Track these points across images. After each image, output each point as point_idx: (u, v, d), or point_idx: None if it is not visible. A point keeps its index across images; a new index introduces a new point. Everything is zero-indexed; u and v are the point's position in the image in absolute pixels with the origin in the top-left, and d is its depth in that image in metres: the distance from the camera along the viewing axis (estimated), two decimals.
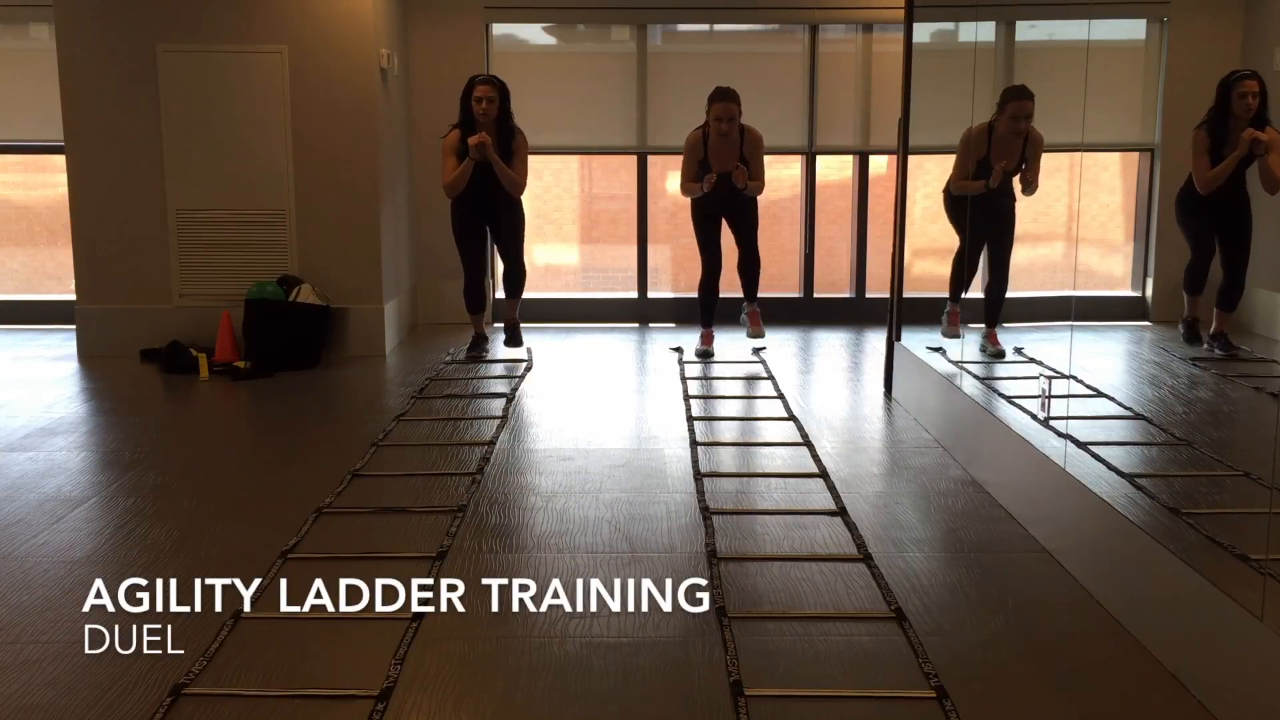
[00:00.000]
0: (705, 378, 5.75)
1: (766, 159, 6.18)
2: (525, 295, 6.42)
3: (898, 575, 3.19)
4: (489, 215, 6.04)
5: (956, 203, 5.23)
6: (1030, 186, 4.73)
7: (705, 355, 6.28)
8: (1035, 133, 4.70)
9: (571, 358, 6.34)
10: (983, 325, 5.10)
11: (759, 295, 6.42)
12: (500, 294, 6.86)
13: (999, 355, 4.99)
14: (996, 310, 5.07)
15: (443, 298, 7.24)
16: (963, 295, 5.26)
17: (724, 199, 6.09)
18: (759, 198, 6.23)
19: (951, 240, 5.39)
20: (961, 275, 5.26)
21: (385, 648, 2.72)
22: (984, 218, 5.02)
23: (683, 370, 5.88)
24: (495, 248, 6.36)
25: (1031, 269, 5.40)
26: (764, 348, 6.35)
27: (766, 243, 6.65)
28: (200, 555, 3.34)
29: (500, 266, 6.54)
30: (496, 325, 7.10)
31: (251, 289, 6.09)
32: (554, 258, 7.90)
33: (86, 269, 6.32)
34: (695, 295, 6.42)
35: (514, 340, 6.33)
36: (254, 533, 3.52)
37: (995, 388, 4.37)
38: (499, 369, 6.04)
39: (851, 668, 2.64)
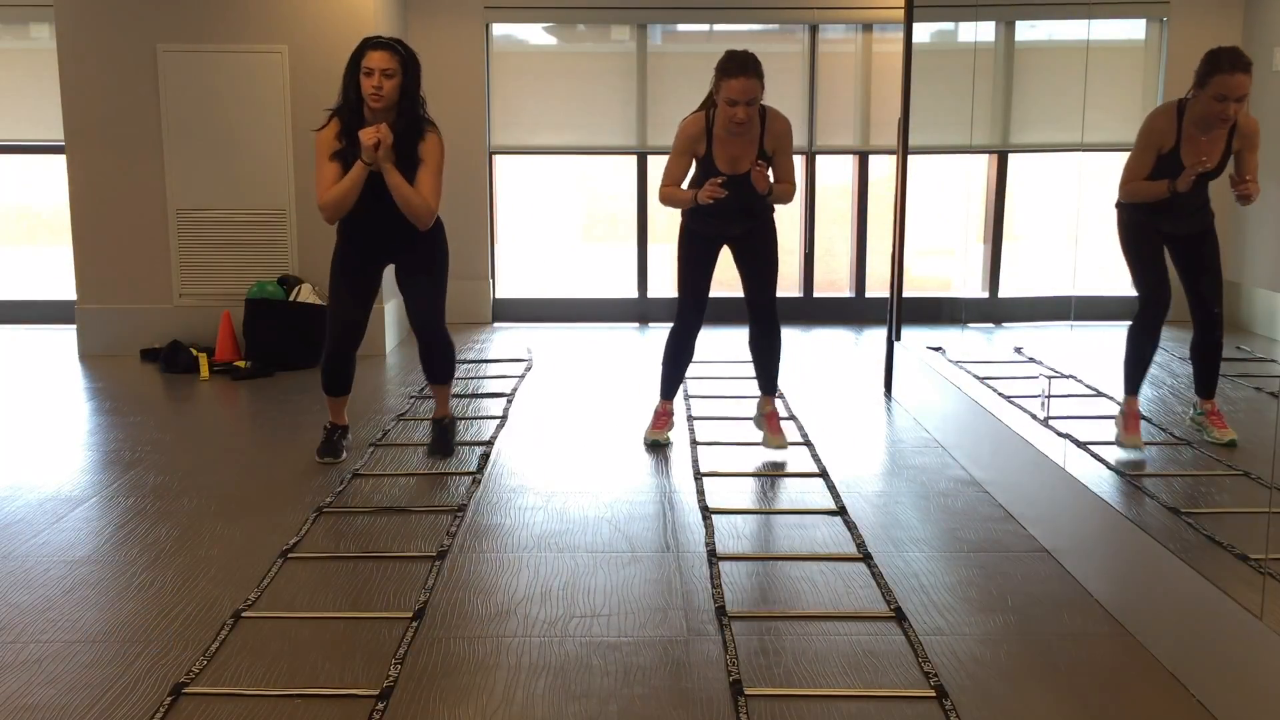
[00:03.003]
0: (705, 378, 5.74)
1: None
2: (525, 295, 6.23)
3: (897, 575, 3.19)
4: (387, 252, 4.15)
5: (1137, 223, 3.69)
6: (1245, 194, 3.29)
7: (655, 446, 4.48)
8: (1249, 120, 3.29)
9: (571, 357, 6.34)
10: (1196, 399, 3.67)
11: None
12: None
13: (1230, 444, 3.48)
14: (1214, 373, 3.59)
15: None
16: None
17: (730, 217, 4.20)
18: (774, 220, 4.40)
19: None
20: (1148, 343, 3.71)
21: (385, 648, 2.72)
22: (1172, 239, 3.63)
23: None
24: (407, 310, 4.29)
25: (1032, 268, 5.40)
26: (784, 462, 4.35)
27: None
28: (200, 555, 3.35)
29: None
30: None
31: (252, 289, 6.09)
32: (553, 257, 7.91)
33: (86, 269, 6.33)
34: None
35: (443, 445, 4.39)
36: (254, 533, 3.53)
37: (995, 388, 4.37)
38: (499, 369, 6.04)
39: (851, 667, 2.64)
